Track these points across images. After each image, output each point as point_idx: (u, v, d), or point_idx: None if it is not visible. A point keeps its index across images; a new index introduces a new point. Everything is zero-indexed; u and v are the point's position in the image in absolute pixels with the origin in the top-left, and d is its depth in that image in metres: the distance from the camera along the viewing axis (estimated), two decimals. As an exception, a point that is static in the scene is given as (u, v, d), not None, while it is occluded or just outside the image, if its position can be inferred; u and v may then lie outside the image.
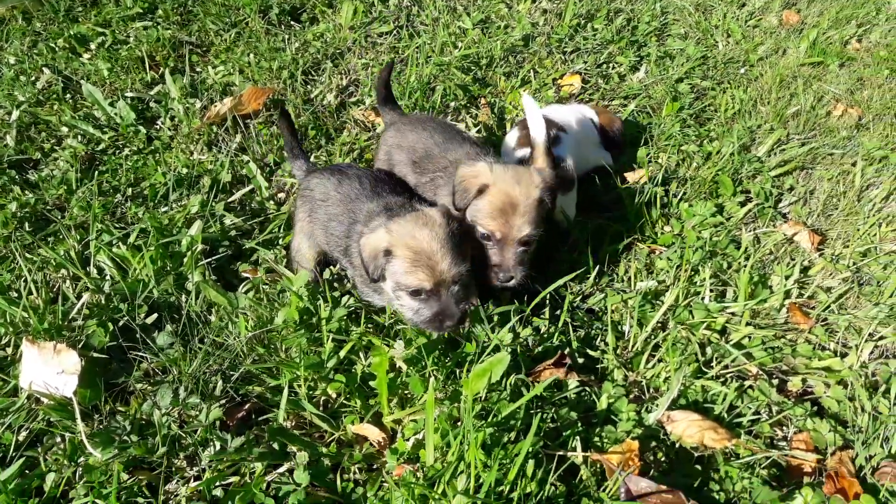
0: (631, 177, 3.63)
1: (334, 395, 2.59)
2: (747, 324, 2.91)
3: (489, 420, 2.35)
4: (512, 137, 3.43)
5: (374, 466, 2.43)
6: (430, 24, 4.79)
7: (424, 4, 4.98)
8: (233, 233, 3.21)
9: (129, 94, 4.06)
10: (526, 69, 4.44)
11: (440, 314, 2.49)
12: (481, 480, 2.12)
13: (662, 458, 2.47)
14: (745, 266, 3.07)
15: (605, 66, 4.59)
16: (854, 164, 3.81)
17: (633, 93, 4.35)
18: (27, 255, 3.03)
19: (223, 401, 2.51)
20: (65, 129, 3.84)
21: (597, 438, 2.47)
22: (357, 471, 2.40)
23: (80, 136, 3.81)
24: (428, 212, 2.56)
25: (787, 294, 3.07)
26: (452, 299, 2.49)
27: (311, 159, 3.64)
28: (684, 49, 4.79)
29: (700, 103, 4.31)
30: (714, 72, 4.64)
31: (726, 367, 2.77)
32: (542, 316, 2.86)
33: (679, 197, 3.53)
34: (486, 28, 4.81)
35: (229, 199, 3.38)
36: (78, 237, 3.11)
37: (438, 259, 2.44)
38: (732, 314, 2.96)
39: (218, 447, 2.36)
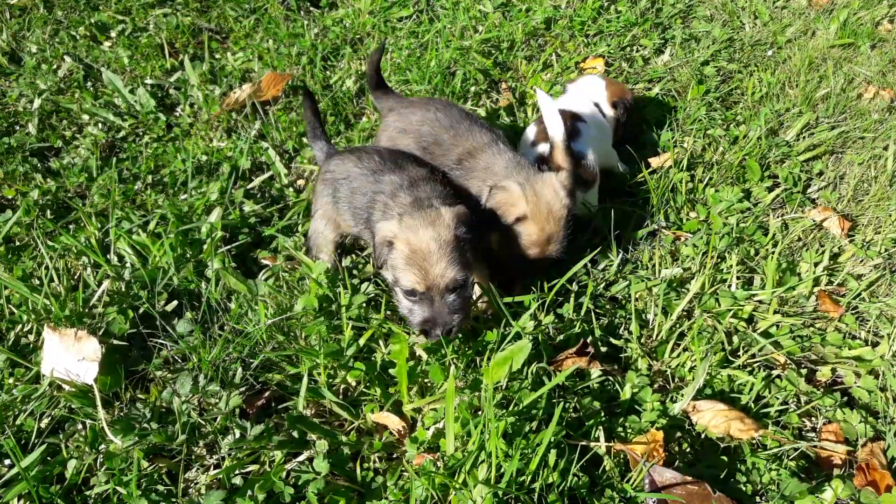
0: (655, 161, 3.55)
1: (354, 384, 2.57)
2: (775, 312, 2.84)
3: (510, 409, 2.32)
4: (531, 131, 3.35)
5: (394, 456, 2.41)
6: (451, 7, 4.72)
7: (444, -12, 4.91)
8: (252, 220, 3.19)
9: (149, 82, 4.06)
10: (548, 52, 4.37)
11: (430, 320, 2.41)
12: (502, 470, 2.09)
13: (687, 449, 2.43)
14: (773, 253, 2.99)
15: (628, 48, 4.50)
16: (886, 149, 3.69)
17: (658, 76, 4.26)
18: (49, 243, 3.04)
19: (243, 388, 2.50)
20: (85, 117, 3.85)
21: (620, 429, 2.43)
22: (377, 460, 2.38)
23: (100, 124, 3.82)
24: (442, 210, 2.48)
25: (817, 281, 2.99)
26: (446, 308, 2.41)
27: (331, 145, 3.62)
28: (710, 31, 4.68)
29: (726, 86, 4.21)
30: (741, 54, 4.53)
31: (753, 356, 2.71)
32: (563, 305, 2.81)
33: (705, 182, 3.45)
34: (508, 11, 4.73)
35: (249, 186, 3.37)
36: (98, 225, 3.12)
37: (433, 262, 2.37)
38: (760, 302, 2.89)
39: (237, 435, 2.35)
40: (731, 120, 3.93)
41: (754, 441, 2.45)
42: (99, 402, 2.40)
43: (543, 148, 3.11)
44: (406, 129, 3.12)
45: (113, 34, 4.58)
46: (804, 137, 3.82)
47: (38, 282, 2.88)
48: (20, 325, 2.74)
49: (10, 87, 4.15)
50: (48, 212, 3.27)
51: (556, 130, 2.88)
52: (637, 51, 4.52)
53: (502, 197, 2.76)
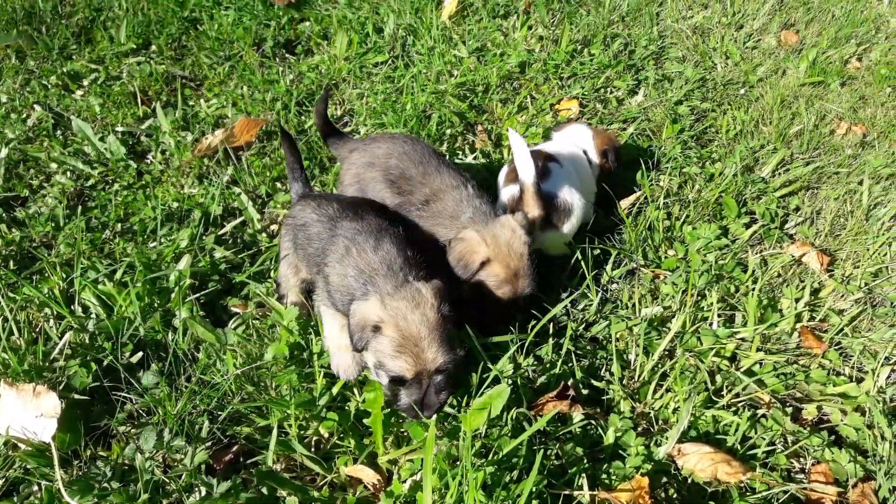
0: (626, 202, 3.51)
1: (326, 435, 2.47)
2: (758, 349, 2.79)
3: (490, 458, 2.23)
4: (503, 172, 3.32)
5: (370, 510, 2.30)
6: (426, 53, 4.74)
7: (420, 34, 4.94)
8: (223, 266, 3.11)
9: (120, 129, 4.01)
10: (523, 95, 4.38)
11: (418, 403, 2.29)
12: (481, 524, 2.00)
13: (674, 495, 2.34)
14: (753, 290, 2.96)
15: (602, 90, 4.53)
16: (861, 183, 3.71)
17: (632, 116, 4.28)
18: (10, 295, 2.94)
19: (209, 443, 2.39)
20: (54, 166, 3.78)
21: (604, 475, 2.34)
22: (351, 515, 2.28)
23: (69, 172, 3.74)
24: (421, 288, 2.34)
25: (798, 317, 2.95)
26: (433, 389, 2.28)
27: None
28: (682, 72, 4.73)
29: (700, 125, 4.23)
30: (714, 93, 4.57)
31: (737, 395, 2.65)
32: (542, 346, 2.75)
33: (682, 220, 3.43)
34: (482, 56, 4.76)
35: (220, 232, 3.29)
36: (63, 275, 3.02)
37: (425, 346, 2.24)
38: (742, 340, 2.84)
39: (203, 493, 2.23)
40: (707, 157, 3.94)
41: (742, 484, 2.37)
42: (56, 462, 2.28)
43: (512, 191, 3.07)
44: (373, 162, 3.06)
45: (85, 83, 4.54)
46: (779, 174, 3.82)
47: (-3, 335, 2.77)
48: (-24, 382, 2.62)
49: (-22, 137, 4.09)
50: (11, 262, 3.17)
51: (527, 172, 2.85)
52: (611, 92, 4.54)
53: (462, 247, 2.74)
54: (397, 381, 2.28)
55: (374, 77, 4.58)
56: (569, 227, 3.10)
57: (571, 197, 3.08)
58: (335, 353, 2.54)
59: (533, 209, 2.89)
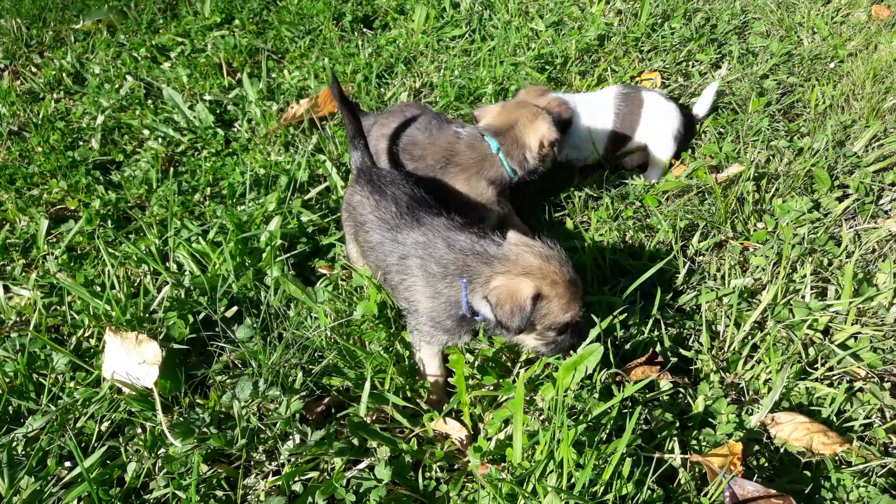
0: (724, 175, 3.43)
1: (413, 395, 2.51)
2: (853, 323, 2.70)
3: (580, 418, 2.23)
4: None
5: (456, 466, 2.33)
6: (502, 27, 4.72)
7: (496, 8, 4.92)
8: (310, 229, 3.18)
9: (208, 98, 4.13)
10: (602, 67, 4.32)
11: (577, 335, 2.33)
12: (573, 480, 2.00)
13: (766, 464, 2.30)
14: (848, 262, 2.86)
15: (684, 63, 4.43)
16: (963, 159, 3.53)
17: (717, 90, 4.17)
18: (110, 251, 3.07)
19: (303, 394, 2.46)
20: (146, 132, 3.92)
21: (694, 441, 2.31)
22: (438, 469, 2.31)
23: (160, 139, 3.88)
24: (527, 241, 2.30)
25: (896, 293, 2.85)
26: (581, 320, 2.32)
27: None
28: (767, 46, 4.59)
29: (788, 99, 4.09)
30: (800, 68, 4.42)
31: (831, 368, 2.58)
32: (630, 314, 2.72)
33: (771, 193, 3.34)
34: (560, 29, 4.71)
35: (306, 197, 3.36)
36: (158, 234, 3.14)
37: (579, 283, 2.26)
38: (836, 313, 2.75)
39: (298, 440, 2.30)
40: (795, 132, 3.81)
41: (837, 457, 2.31)
42: (158, 406, 2.38)
43: None
44: (385, 133, 3.17)
45: (172, 55, 4.69)
46: (873, 149, 3.67)
47: (99, 288, 2.90)
48: (81, 330, 2.75)
49: (75, 105, 4.26)
50: (109, 222, 3.31)
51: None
52: (693, 65, 4.44)
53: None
54: (566, 327, 2.29)
55: (451, 50, 4.59)
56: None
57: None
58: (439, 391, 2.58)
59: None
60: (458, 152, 3.00)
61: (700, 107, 3.84)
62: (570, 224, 3.27)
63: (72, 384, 2.56)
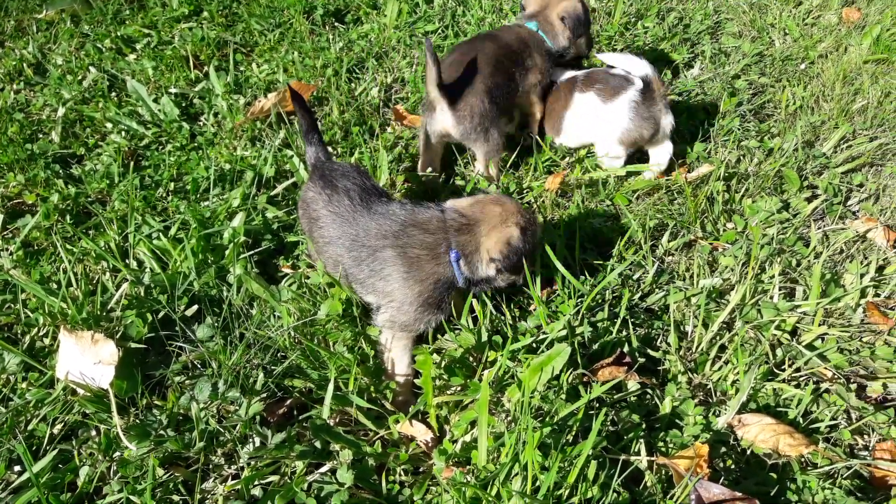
0: (694, 175, 3.42)
1: (378, 396, 2.46)
2: (820, 324, 2.70)
3: (546, 420, 2.19)
4: None
5: (421, 469, 2.29)
6: (475, 22, 4.68)
7: (470, 4, 4.88)
8: (276, 226, 3.11)
9: (173, 91, 4.03)
10: (575, 65, 4.30)
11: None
12: (538, 483, 1.96)
13: (732, 466, 2.29)
14: (816, 263, 2.86)
15: (657, 62, 4.42)
16: (929, 161, 3.57)
17: (688, 89, 4.17)
18: (68, 247, 2.98)
19: (264, 395, 2.39)
20: (109, 126, 3.82)
21: (661, 443, 2.29)
22: (402, 472, 2.26)
23: (123, 132, 3.78)
24: (474, 199, 2.56)
25: (863, 293, 2.85)
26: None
27: (356, 154, 3.55)
28: (739, 46, 4.60)
29: (759, 99, 4.10)
30: (772, 69, 4.44)
31: (798, 369, 2.58)
32: (598, 313, 2.69)
33: (741, 193, 3.33)
34: (533, 26, 4.68)
35: (272, 193, 3.29)
36: (118, 230, 3.05)
37: None
38: (803, 314, 2.75)
39: (258, 443, 2.24)
40: (766, 132, 3.82)
41: (803, 458, 2.30)
42: (114, 408, 2.30)
43: None
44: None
45: (138, 47, 4.58)
46: (842, 150, 3.70)
47: (55, 286, 2.81)
48: (36, 329, 2.66)
49: (35, 97, 4.14)
50: (68, 217, 3.21)
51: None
52: (666, 64, 4.44)
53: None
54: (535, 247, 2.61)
55: (423, 45, 4.53)
56: None
57: None
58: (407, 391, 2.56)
59: None
60: None
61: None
62: (539, 220, 3.23)
63: (24, 385, 2.47)
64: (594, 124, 3.37)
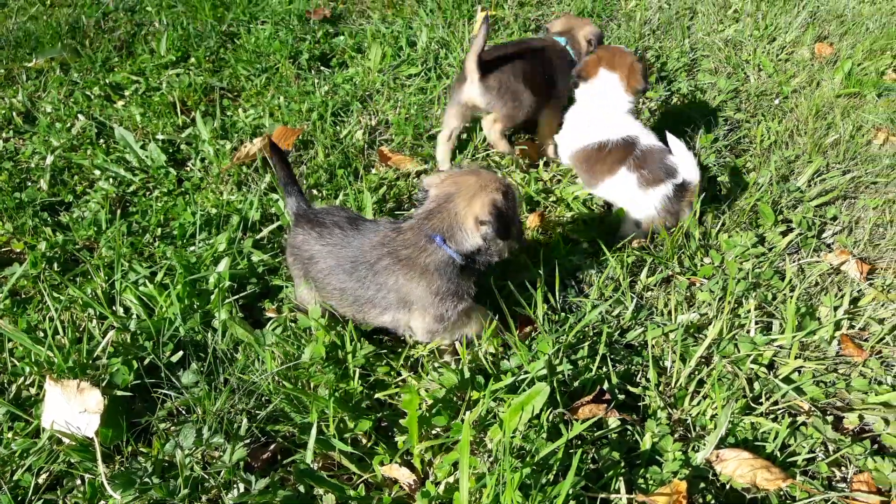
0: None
1: (362, 437, 2.48)
2: (796, 357, 2.75)
3: (526, 460, 2.22)
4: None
5: (405, 511, 2.31)
6: (458, 65, 4.79)
7: (452, 47, 5.00)
8: (261, 269, 3.16)
9: (160, 137, 4.10)
10: (555, 105, 4.40)
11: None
12: (519, 523, 1.99)
13: (711, 501, 2.31)
14: (791, 297, 2.92)
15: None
16: (900, 193, 3.66)
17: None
18: (55, 295, 3.01)
19: (248, 441, 2.42)
20: (97, 173, 3.87)
21: (641, 480, 2.32)
22: (386, 515, 2.28)
23: (111, 179, 3.83)
24: (448, 173, 2.64)
25: (838, 325, 2.91)
26: None
27: (341, 197, 3.61)
28: (715, 83, 4.72)
29: (735, 135, 4.21)
30: (747, 104, 4.55)
31: (776, 403, 2.62)
32: (578, 350, 2.74)
33: (718, 228, 3.41)
34: (514, 67, 4.79)
35: (258, 237, 3.34)
36: (105, 277, 3.09)
37: None
38: (780, 347, 2.81)
39: (242, 489, 2.26)
40: (742, 167, 3.91)
41: (781, 492, 2.33)
42: (99, 456, 2.32)
43: None
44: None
45: (127, 93, 4.66)
46: (815, 183, 3.78)
47: (42, 334, 2.84)
48: (22, 378, 2.68)
49: (24, 144, 4.20)
50: (55, 265, 3.25)
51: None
52: (643, 102, 4.54)
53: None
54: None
55: (407, 88, 4.64)
56: None
57: None
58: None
59: None
60: None
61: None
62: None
63: (9, 435, 2.49)
64: (625, 201, 3.40)
